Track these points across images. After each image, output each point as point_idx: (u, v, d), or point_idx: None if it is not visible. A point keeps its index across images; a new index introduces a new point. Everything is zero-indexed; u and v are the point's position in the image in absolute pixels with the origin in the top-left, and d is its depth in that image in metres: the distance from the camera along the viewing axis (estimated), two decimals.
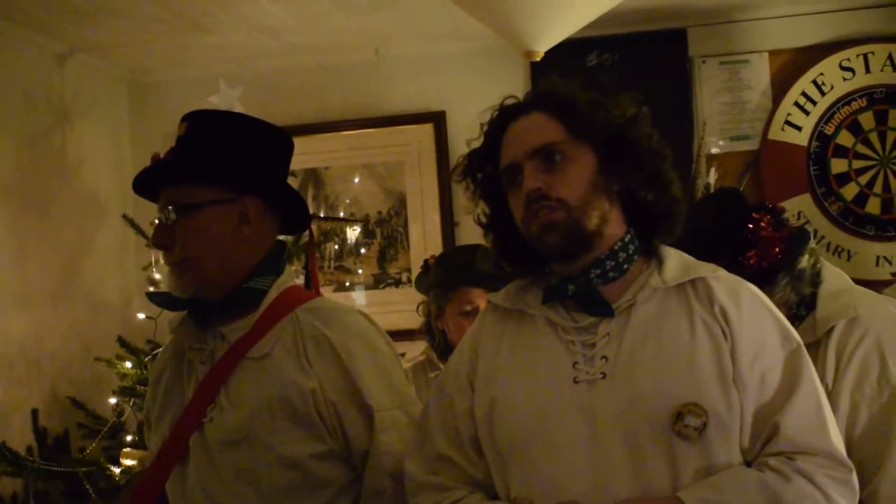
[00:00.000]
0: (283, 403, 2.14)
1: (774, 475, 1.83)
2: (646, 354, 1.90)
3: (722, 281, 1.98)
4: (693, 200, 3.55)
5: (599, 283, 1.96)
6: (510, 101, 2.08)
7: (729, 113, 4.89)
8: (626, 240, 1.98)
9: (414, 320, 3.84)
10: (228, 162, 2.21)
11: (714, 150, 4.84)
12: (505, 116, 2.06)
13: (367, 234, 5.07)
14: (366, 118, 4.99)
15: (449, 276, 3.59)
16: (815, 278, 2.58)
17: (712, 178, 4.09)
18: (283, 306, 2.25)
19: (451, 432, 2.08)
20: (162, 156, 2.27)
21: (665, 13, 4.62)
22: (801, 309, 2.56)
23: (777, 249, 2.55)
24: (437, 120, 4.95)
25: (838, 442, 1.91)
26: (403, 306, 4.48)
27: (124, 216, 4.16)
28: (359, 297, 4.86)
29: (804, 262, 2.58)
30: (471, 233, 4.32)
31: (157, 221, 2.22)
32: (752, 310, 1.96)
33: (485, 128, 2.11)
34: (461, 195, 4.70)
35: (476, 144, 2.11)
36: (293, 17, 4.31)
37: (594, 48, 4.78)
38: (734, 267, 2.26)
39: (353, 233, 5.04)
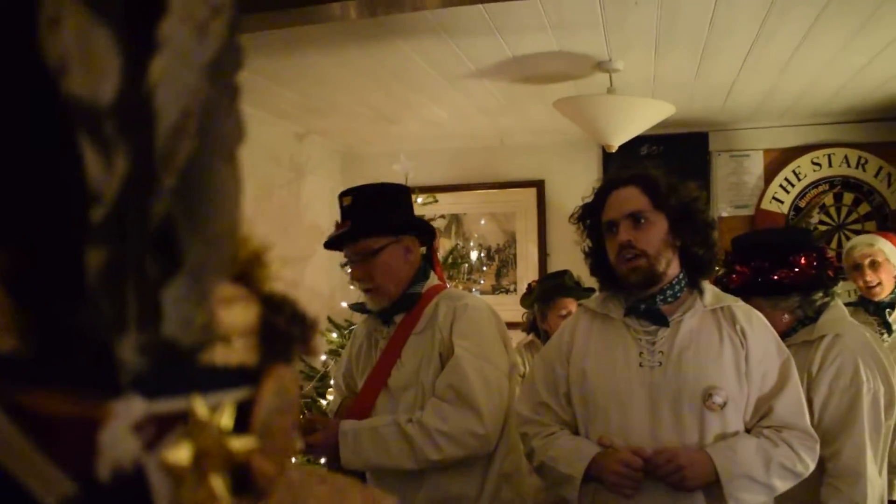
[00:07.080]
0: (435, 356, 2.35)
1: (767, 441, 1.96)
2: (689, 353, 2.04)
3: (741, 308, 2.13)
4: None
5: (661, 304, 2.11)
6: (613, 176, 2.16)
7: (734, 189, 5.27)
8: (680, 277, 2.13)
9: (517, 316, 4.33)
10: (389, 218, 2.42)
11: (724, 214, 5.26)
12: (610, 185, 2.16)
13: (488, 258, 5.59)
14: (492, 182, 5.54)
15: (550, 292, 3.90)
16: (822, 308, 2.66)
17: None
18: (431, 297, 2.46)
19: (552, 387, 2.22)
20: (338, 224, 2.45)
21: (695, 122, 5.11)
22: (807, 319, 2.68)
23: (813, 272, 2.59)
24: (539, 186, 5.52)
25: (809, 422, 2.05)
26: (510, 307, 4.86)
27: None
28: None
29: (818, 296, 2.66)
30: (557, 261, 5.30)
31: (348, 265, 2.44)
32: (760, 330, 2.10)
33: (595, 189, 2.21)
34: (553, 236, 5.46)
35: (588, 201, 2.24)
36: (450, 116, 4.91)
37: (645, 142, 5.07)
38: (785, 266, 2.48)
39: (475, 257, 5.56)
